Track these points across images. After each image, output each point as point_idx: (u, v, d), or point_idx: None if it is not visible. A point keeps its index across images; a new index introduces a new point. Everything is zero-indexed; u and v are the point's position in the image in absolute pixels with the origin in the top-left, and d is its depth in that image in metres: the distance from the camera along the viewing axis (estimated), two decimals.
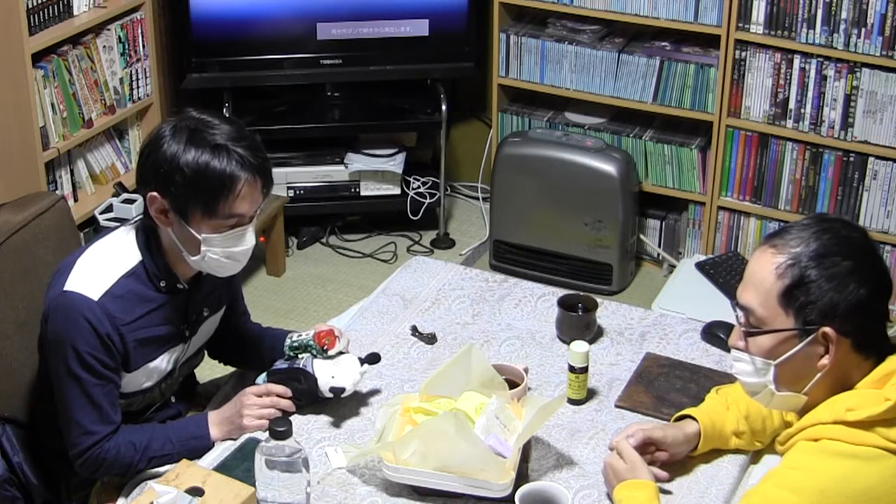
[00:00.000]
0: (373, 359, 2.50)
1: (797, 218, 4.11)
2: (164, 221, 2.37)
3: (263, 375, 2.51)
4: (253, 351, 2.70)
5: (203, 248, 2.36)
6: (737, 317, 2.08)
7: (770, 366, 2.04)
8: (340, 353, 2.49)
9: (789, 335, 2.01)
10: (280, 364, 2.51)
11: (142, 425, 2.49)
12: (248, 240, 2.39)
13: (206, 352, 2.69)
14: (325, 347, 2.47)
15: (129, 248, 2.43)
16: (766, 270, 2.01)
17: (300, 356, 2.49)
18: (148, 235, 2.42)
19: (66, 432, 2.42)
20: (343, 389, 2.44)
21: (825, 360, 2.00)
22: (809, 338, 1.99)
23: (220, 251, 2.37)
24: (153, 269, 2.41)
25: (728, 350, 2.66)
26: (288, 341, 2.52)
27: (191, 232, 2.35)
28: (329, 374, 2.45)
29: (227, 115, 2.42)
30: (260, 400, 2.46)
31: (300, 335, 2.52)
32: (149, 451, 2.42)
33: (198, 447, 2.43)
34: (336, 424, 2.45)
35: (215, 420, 2.47)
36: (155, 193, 2.35)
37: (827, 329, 1.98)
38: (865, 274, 1.99)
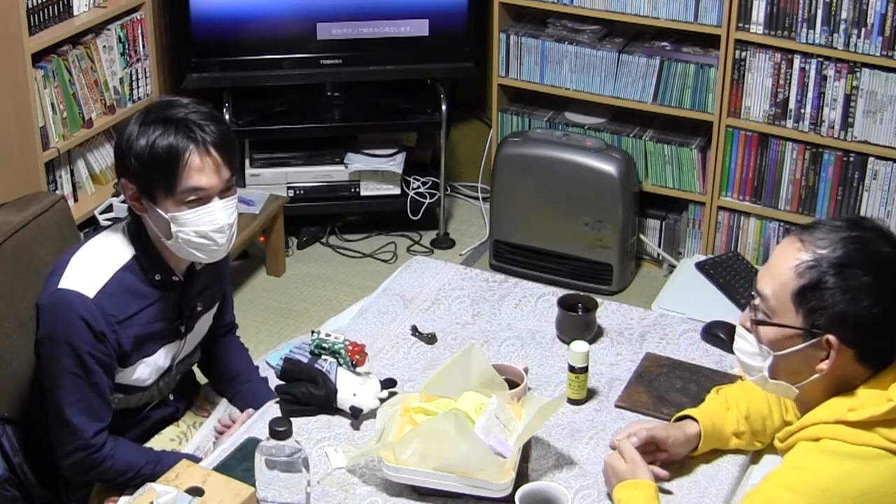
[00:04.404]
0: (389, 384, 2.49)
1: (797, 218, 4.17)
2: (139, 208, 2.39)
3: (279, 358, 2.49)
4: (226, 378, 2.74)
5: (173, 228, 2.35)
6: (752, 296, 2.08)
7: (770, 355, 2.04)
8: (367, 372, 2.47)
9: (794, 332, 2.01)
10: (299, 354, 2.48)
11: (140, 447, 2.52)
12: (220, 217, 2.37)
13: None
14: (355, 362, 2.45)
15: (122, 244, 2.44)
16: (787, 264, 2.00)
17: (326, 358, 2.47)
18: (138, 229, 2.43)
19: (55, 430, 2.42)
20: (361, 411, 2.42)
21: (823, 366, 2.00)
22: (813, 340, 1.99)
23: (192, 230, 2.35)
24: (146, 263, 2.42)
25: (728, 350, 2.67)
26: (315, 336, 2.49)
27: (160, 213, 2.35)
28: (351, 390, 2.43)
29: (191, 98, 2.43)
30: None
31: (328, 336, 2.49)
32: (140, 472, 2.45)
33: None
34: (336, 424, 2.44)
35: None
36: (125, 179, 2.37)
37: (831, 337, 1.97)
38: (883, 292, 1.96)
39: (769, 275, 2.03)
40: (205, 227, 2.36)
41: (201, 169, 2.32)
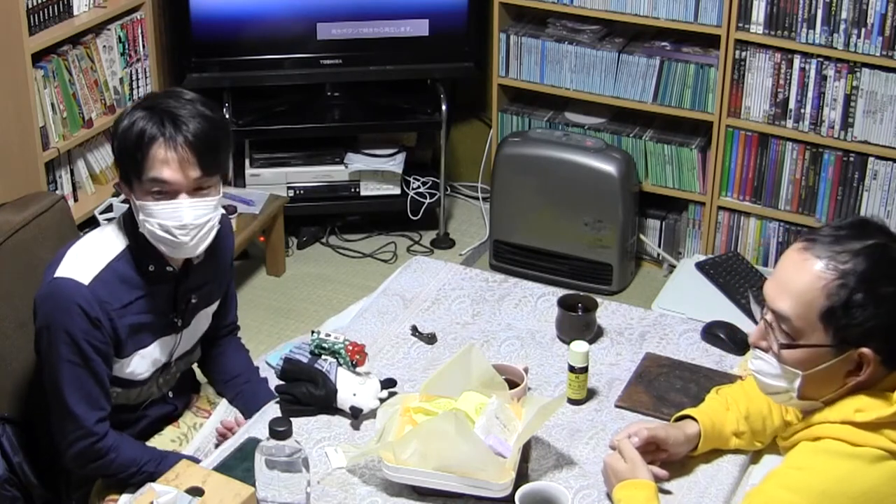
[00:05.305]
0: (389, 384, 2.49)
1: (797, 218, 4.17)
2: (128, 193, 2.40)
3: (279, 358, 2.49)
4: (226, 378, 2.73)
5: (140, 216, 2.36)
6: (763, 315, 2.04)
7: (798, 375, 2.01)
8: (367, 372, 2.47)
9: (823, 350, 1.98)
10: (299, 354, 2.48)
11: (143, 445, 2.53)
12: (184, 215, 2.35)
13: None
14: (355, 362, 2.45)
15: (116, 235, 2.45)
16: (811, 284, 1.95)
17: (326, 358, 2.47)
18: (133, 220, 2.44)
19: (58, 422, 2.42)
20: (361, 411, 2.42)
21: (858, 377, 1.98)
22: (843, 355, 1.97)
23: (156, 222, 2.35)
24: (140, 253, 2.42)
25: (728, 350, 2.67)
26: (315, 336, 2.50)
27: (133, 199, 2.36)
28: (351, 390, 2.43)
29: (199, 96, 2.44)
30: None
31: (328, 336, 2.49)
32: (143, 469, 2.46)
33: None
34: (336, 424, 2.45)
35: None
36: (116, 162, 2.41)
37: (865, 350, 1.95)
38: None
39: (788, 295, 1.98)
40: (167, 221, 2.35)
41: (165, 161, 2.31)
